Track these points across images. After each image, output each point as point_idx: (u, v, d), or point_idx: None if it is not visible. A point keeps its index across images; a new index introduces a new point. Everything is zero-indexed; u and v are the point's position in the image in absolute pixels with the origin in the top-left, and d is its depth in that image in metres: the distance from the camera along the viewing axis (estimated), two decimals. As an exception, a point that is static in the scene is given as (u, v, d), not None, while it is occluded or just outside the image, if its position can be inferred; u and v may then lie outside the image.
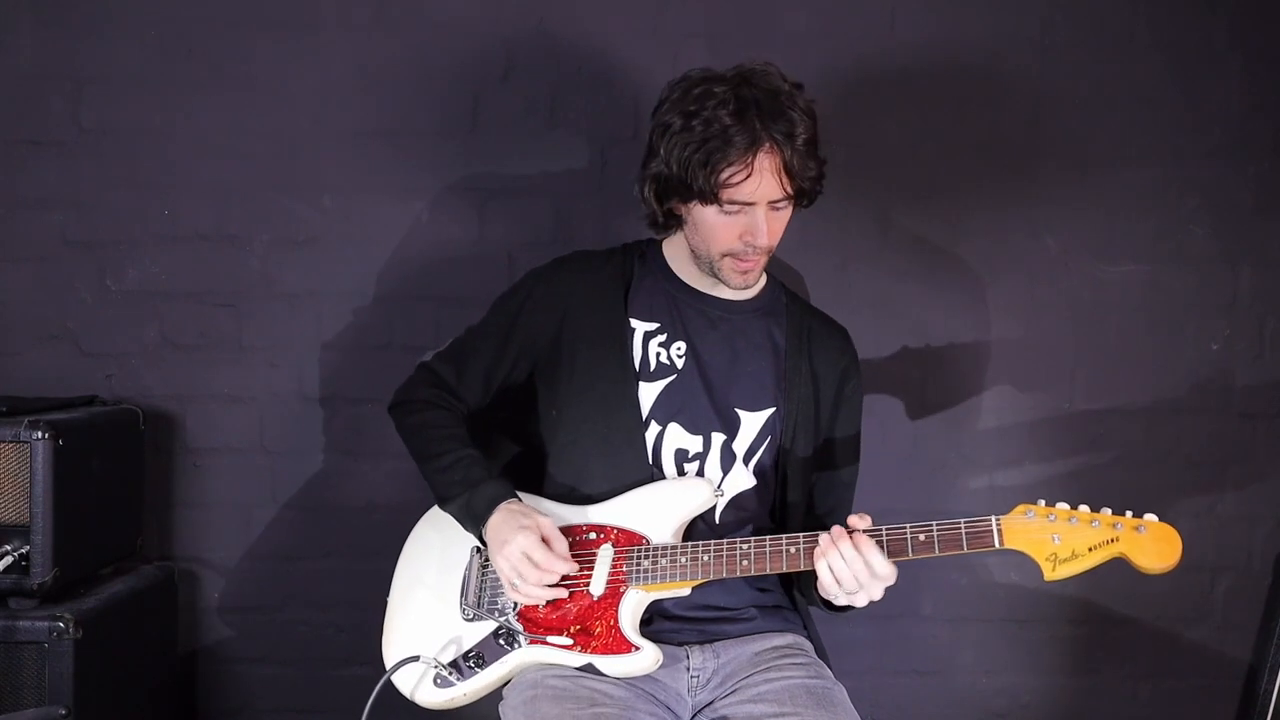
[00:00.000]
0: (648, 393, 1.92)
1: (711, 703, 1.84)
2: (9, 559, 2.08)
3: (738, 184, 1.78)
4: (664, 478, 1.91)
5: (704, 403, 1.92)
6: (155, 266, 2.48)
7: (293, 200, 2.48)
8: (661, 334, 1.95)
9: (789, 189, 1.80)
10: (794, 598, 2.02)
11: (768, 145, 1.76)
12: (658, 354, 1.94)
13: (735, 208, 1.80)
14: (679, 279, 1.99)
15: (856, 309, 2.43)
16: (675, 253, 2.00)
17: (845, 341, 2.05)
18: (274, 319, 2.49)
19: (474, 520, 1.87)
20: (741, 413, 1.94)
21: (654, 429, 1.92)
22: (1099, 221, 2.50)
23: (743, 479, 1.94)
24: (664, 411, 1.92)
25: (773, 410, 1.95)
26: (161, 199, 2.48)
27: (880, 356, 2.46)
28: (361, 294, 2.49)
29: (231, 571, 2.52)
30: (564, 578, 1.82)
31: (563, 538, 1.82)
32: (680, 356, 1.94)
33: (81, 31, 2.45)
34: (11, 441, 2.10)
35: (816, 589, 1.82)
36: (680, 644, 1.86)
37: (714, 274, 1.90)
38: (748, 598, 1.94)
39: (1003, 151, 2.49)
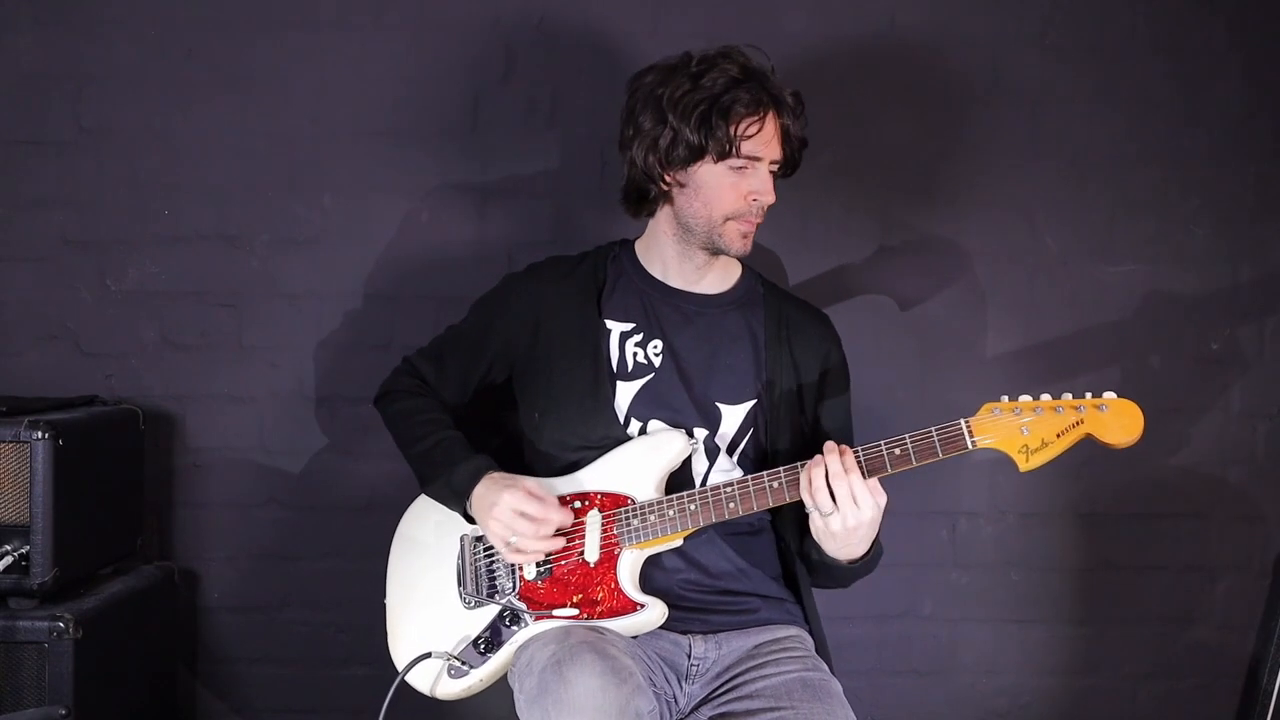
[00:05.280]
0: (625, 392, 1.94)
1: (708, 699, 1.85)
2: (9, 559, 2.08)
3: (753, 135, 1.86)
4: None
5: (684, 399, 1.94)
6: (155, 266, 2.48)
7: (293, 200, 2.48)
8: (637, 334, 1.97)
9: (784, 154, 1.91)
10: (799, 593, 2.01)
11: (775, 106, 1.88)
12: (634, 354, 1.96)
13: (743, 163, 1.87)
14: (652, 277, 2.01)
15: (855, 308, 2.43)
16: (647, 251, 2.03)
17: (826, 327, 2.06)
18: (274, 319, 2.49)
19: (457, 496, 1.89)
20: (722, 406, 1.95)
21: (635, 426, 1.93)
22: (1099, 221, 2.50)
23: (730, 472, 1.94)
24: (643, 409, 1.93)
25: (754, 402, 1.96)
26: (161, 199, 2.47)
27: (878, 355, 2.46)
28: (362, 294, 2.49)
29: (231, 571, 2.51)
30: (557, 551, 1.84)
31: (550, 493, 1.86)
32: (657, 355, 1.96)
33: (81, 31, 2.45)
34: (11, 441, 2.10)
35: (812, 545, 1.84)
36: (683, 633, 1.88)
37: (710, 244, 1.92)
38: (758, 580, 1.94)
39: (1003, 151, 2.49)
